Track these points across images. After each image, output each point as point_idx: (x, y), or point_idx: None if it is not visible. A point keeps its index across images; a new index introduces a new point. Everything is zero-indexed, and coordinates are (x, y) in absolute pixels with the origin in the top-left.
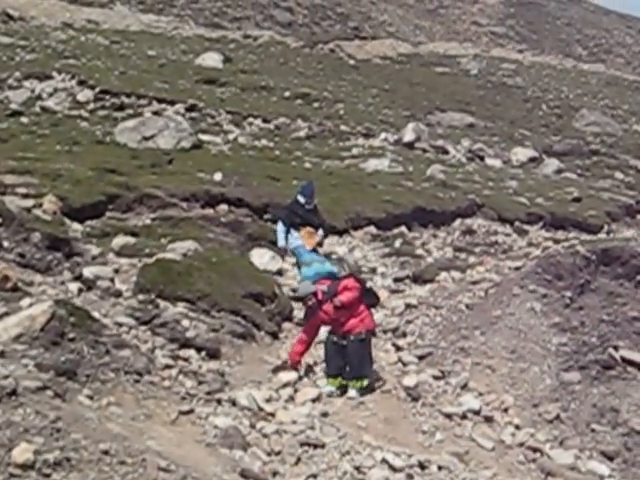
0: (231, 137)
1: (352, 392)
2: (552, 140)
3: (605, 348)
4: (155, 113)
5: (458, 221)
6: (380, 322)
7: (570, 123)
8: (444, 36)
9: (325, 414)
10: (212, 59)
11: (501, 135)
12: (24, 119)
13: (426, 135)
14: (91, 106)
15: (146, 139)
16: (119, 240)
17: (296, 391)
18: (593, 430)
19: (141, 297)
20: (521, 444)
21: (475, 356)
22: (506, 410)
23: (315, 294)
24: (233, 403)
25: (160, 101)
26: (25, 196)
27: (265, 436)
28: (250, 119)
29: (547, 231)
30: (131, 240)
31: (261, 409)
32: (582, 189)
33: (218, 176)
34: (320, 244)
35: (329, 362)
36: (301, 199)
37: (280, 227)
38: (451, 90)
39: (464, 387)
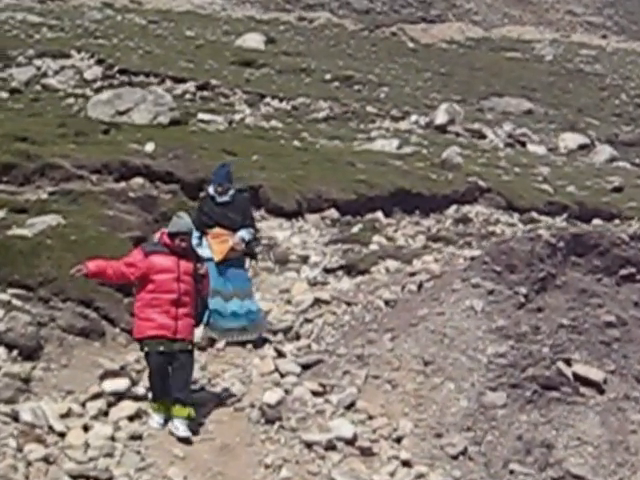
0: (238, 117)
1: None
2: (622, 130)
3: (554, 361)
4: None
5: (453, 207)
6: (270, 320)
7: None
8: (535, 26)
9: (137, 437)
10: (254, 40)
11: (561, 123)
12: (3, 93)
13: (461, 117)
14: (97, 84)
15: (120, 113)
16: None
17: (112, 405)
18: (512, 472)
19: None
20: None
21: (374, 367)
22: (398, 440)
23: None
24: (15, 418)
25: (175, 80)
26: None
27: (29, 464)
28: (267, 99)
29: (570, 223)
30: None
31: (50, 427)
32: (628, 179)
33: (150, 147)
34: (251, 254)
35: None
36: (210, 190)
37: (195, 234)
38: (516, 75)
39: (349, 407)
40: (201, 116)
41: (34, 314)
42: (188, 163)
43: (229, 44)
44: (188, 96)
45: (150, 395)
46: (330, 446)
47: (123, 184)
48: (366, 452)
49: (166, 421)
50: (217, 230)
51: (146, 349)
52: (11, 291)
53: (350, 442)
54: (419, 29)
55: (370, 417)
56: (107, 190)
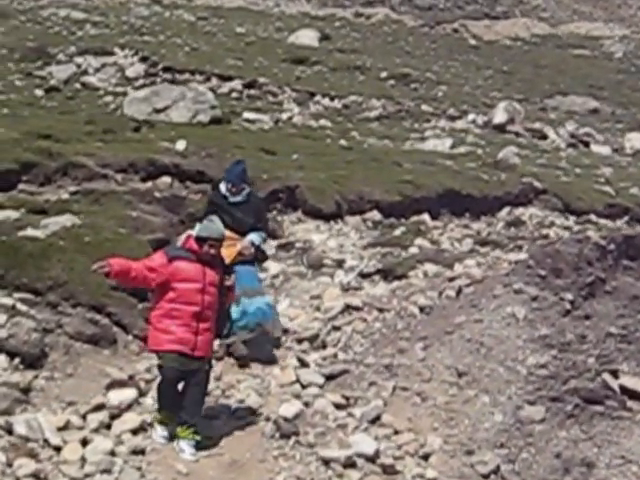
0: (285, 116)
1: (185, 447)
2: None
3: (600, 373)
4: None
5: (506, 210)
6: (296, 328)
7: None
8: (605, 22)
9: (140, 451)
10: (307, 37)
11: (629, 122)
12: (38, 91)
13: (521, 116)
14: (139, 82)
15: (157, 111)
16: None
17: (115, 417)
18: None
19: None
20: None
21: (403, 378)
22: (425, 457)
23: None
24: (8, 431)
25: (221, 78)
26: None
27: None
28: (317, 98)
29: (631, 226)
30: (13, 215)
31: (46, 440)
32: None
33: (181, 145)
34: (260, 258)
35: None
36: (222, 188)
37: None
38: (583, 73)
39: (374, 421)
40: (246, 115)
41: (39, 320)
42: (221, 162)
43: (281, 41)
44: (234, 94)
45: (156, 405)
46: (349, 463)
47: (149, 184)
48: (389, 470)
49: (171, 435)
50: (226, 233)
51: (160, 362)
52: (18, 295)
53: (371, 459)
54: (482, 25)
55: (396, 432)
56: (131, 190)
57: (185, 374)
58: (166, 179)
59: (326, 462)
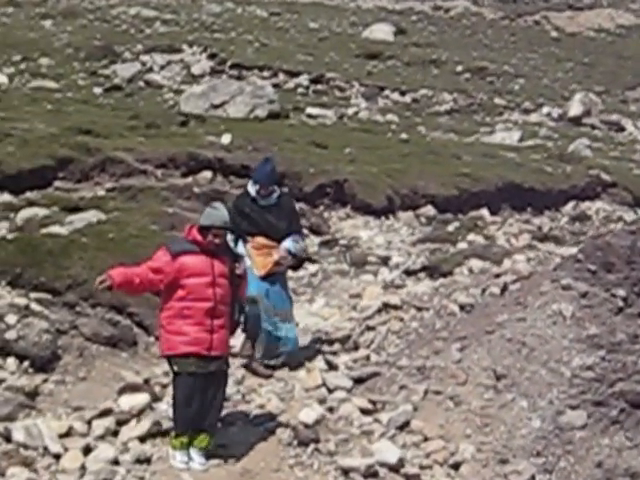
0: (351, 111)
1: (195, 455)
2: None
3: None
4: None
5: (571, 204)
6: (328, 329)
7: None
8: None
9: (145, 460)
10: (382, 31)
11: None
12: (97, 89)
13: (598, 108)
14: (205, 79)
15: (215, 107)
16: (25, 213)
17: (123, 423)
18: None
19: None
20: None
21: (436, 381)
22: (456, 466)
23: None
24: (7, 438)
25: (289, 74)
26: None
27: None
28: (387, 92)
29: None
30: (41, 212)
31: (46, 448)
32: None
33: (226, 139)
34: (293, 266)
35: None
36: (251, 189)
37: (229, 236)
38: None
39: (402, 427)
40: (310, 110)
41: (53, 320)
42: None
43: (355, 36)
44: (300, 90)
45: (170, 413)
46: (370, 473)
47: (190, 179)
48: None
49: (205, 456)
50: (260, 240)
51: (176, 368)
52: (34, 295)
53: (395, 468)
54: (565, 17)
55: (425, 439)
56: (169, 186)
57: (203, 379)
58: (207, 174)
59: (345, 472)
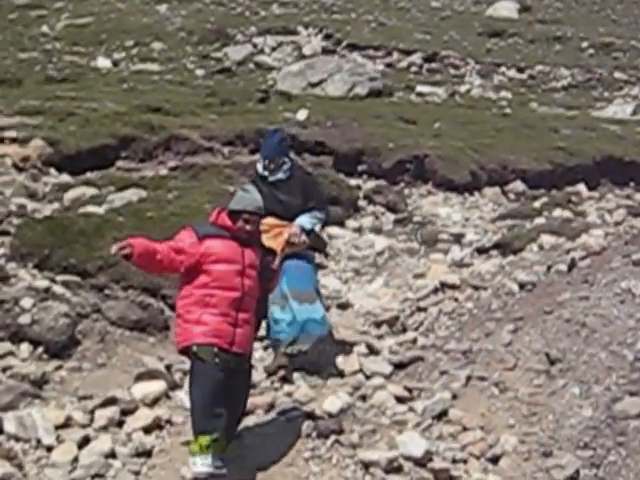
0: (463, 88)
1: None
2: None
3: None
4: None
5: None
6: (377, 310)
7: None
8: None
9: (145, 453)
10: (506, 9)
11: None
12: (199, 72)
13: None
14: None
15: (312, 85)
16: (73, 193)
17: (129, 413)
18: None
19: None
20: None
21: (482, 365)
22: (495, 460)
23: None
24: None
25: (404, 52)
26: (14, 140)
27: None
28: (503, 69)
29: None
30: (89, 192)
31: (39, 440)
32: None
33: (302, 114)
34: (316, 246)
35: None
36: (259, 167)
37: None
38: None
39: (440, 416)
40: (420, 88)
41: (74, 304)
42: (346, 131)
43: (478, 14)
44: (414, 68)
45: (184, 418)
46: (393, 468)
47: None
48: (441, 475)
49: (221, 459)
50: (269, 220)
51: (200, 354)
52: (61, 278)
53: (421, 462)
54: None
55: (464, 429)
56: (234, 163)
57: (224, 378)
58: None
59: (366, 466)
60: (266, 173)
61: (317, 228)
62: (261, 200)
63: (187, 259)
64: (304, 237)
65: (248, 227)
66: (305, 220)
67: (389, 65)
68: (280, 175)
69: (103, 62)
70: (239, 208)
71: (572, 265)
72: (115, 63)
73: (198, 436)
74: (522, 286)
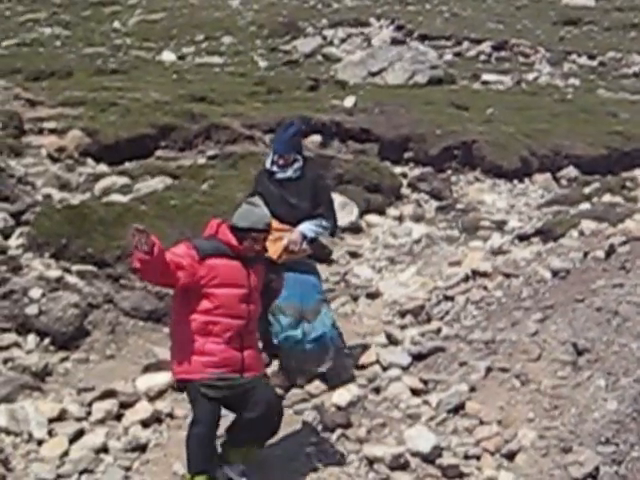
0: (531, 76)
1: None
2: None
3: None
4: None
5: None
6: (403, 300)
7: None
8: None
9: (139, 447)
10: None
11: None
12: (262, 63)
13: None
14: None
15: (372, 74)
16: (104, 182)
17: (128, 406)
18: None
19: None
20: None
21: (504, 356)
22: (511, 456)
23: None
24: None
25: (474, 41)
26: (52, 131)
27: None
28: (573, 57)
29: None
30: (120, 181)
31: (30, 434)
32: None
33: (349, 101)
34: (319, 256)
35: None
36: (267, 162)
37: None
38: None
39: (456, 410)
40: (486, 77)
41: (85, 294)
42: (392, 118)
43: (555, 3)
44: (482, 57)
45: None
46: (399, 464)
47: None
48: (449, 473)
49: None
50: (273, 222)
51: (202, 390)
52: (77, 267)
53: (428, 458)
54: None
55: (481, 423)
56: None
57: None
58: (316, 138)
59: (371, 462)
60: (274, 169)
61: (322, 238)
62: (269, 215)
63: (185, 277)
64: (305, 245)
65: (257, 247)
66: (308, 227)
67: (457, 54)
68: (289, 173)
69: (168, 56)
70: (246, 226)
71: (610, 251)
72: (181, 57)
73: (194, 476)
74: (555, 273)
